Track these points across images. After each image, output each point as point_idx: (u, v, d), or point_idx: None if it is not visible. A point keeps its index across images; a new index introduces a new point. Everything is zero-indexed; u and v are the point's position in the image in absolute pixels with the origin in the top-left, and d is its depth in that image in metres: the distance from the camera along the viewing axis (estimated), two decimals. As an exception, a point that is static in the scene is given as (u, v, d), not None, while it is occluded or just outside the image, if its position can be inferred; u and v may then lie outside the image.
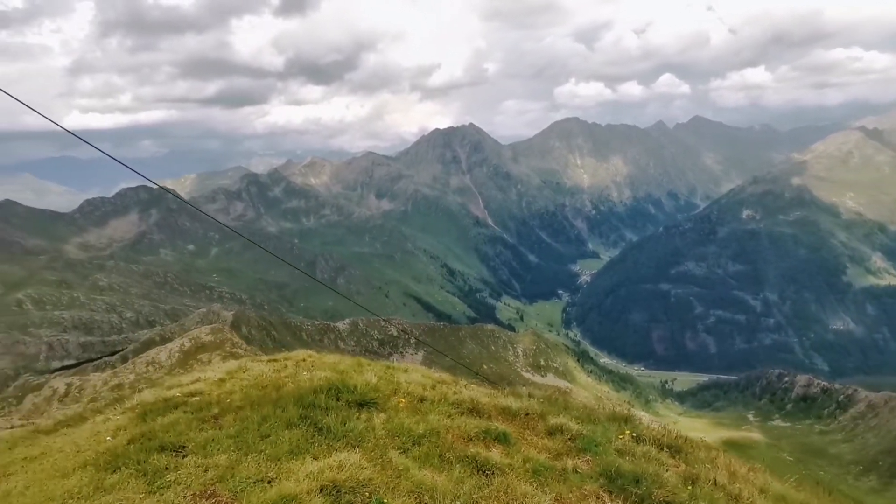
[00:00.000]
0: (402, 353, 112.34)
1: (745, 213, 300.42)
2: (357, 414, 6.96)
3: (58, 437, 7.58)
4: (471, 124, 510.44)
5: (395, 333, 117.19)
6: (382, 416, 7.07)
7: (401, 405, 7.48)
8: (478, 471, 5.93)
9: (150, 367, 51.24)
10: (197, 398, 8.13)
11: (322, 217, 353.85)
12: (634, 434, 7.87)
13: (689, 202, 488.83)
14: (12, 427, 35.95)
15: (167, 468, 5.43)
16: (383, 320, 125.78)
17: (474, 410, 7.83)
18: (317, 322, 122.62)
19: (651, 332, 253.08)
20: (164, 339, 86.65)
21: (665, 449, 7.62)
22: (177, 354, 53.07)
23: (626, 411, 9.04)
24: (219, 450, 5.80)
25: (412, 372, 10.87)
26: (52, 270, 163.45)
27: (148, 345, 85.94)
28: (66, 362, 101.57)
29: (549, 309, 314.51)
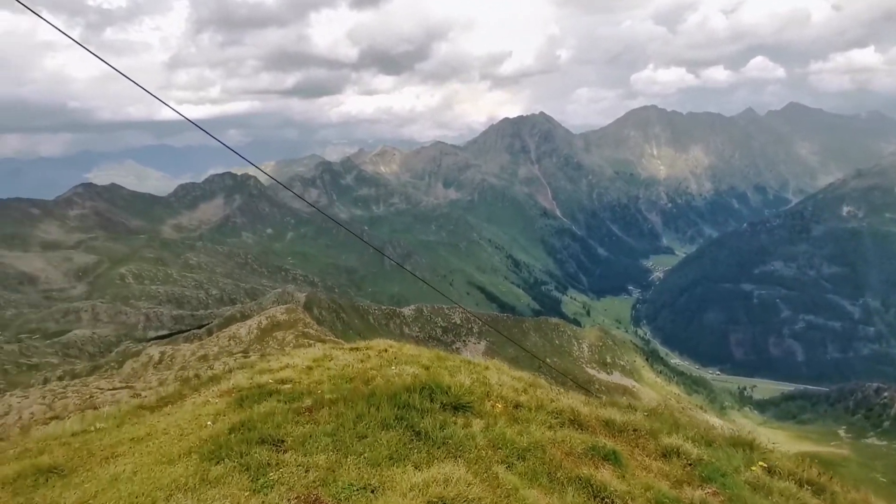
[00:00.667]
0: (464, 341, 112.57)
1: (846, 210, 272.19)
2: (453, 418, 6.71)
3: (161, 416, 7.62)
4: (541, 113, 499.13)
5: (459, 322, 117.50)
6: (480, 422, 6.75)
7: (497, 410, 7.21)
8: (593, 496, 5.42)
9: (232, 342, 54.42)
10: (288, 386, 8.14)
11: (391, 205, 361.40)
12: (766, 465, 6.87)
13: (779, 196, 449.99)
14: (114, 388, 38.91)
15: (269, 464, 5.36)
16: (459, 306, 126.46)
17: (575, 422, 7.36)
18: (383, 307, 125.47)
19: (729, 335, 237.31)
20: (244, 317, 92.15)
21: (806, 486, 6.55)
22: (255, 331, 56.06)
23: (749, 436, 7.97)
24: (317, 448, 5.71)
25: (496, 370, 10.35)
26: (150, 249, 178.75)
27: (230, 320, 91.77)
28: (161, 332, 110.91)
29: (618, 305, 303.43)
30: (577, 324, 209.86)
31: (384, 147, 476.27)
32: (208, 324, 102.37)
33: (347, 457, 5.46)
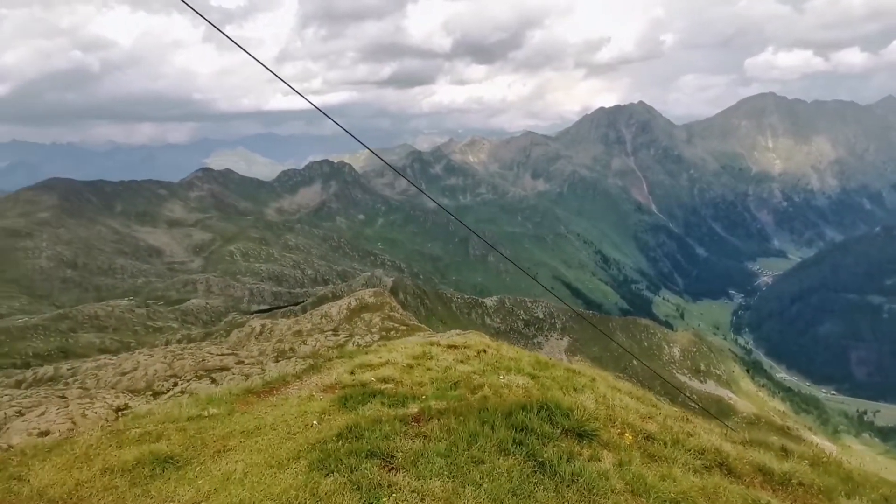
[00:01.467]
0: (546, 336, 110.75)
1: None
2: (578, 448, 6.10)
3: (268, 406, 7.61)
4: (640, 102, 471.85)
5: (542, 316, 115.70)
6: (610, 456, 6.08)
7: (626, 442, 6.50)
8: None
9: (323, 320, 57.93)
10: (390, 386, 8.06)
11: (478, 195, 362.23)
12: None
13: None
14: (222, 354, 42.91)
15: (380, 485, 5.12)
16: (560, 296, 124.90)
17: (724, 466, 6.41)
18: (466, 296, 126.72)
19: (849, 352, 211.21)
20: (335, 297, 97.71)
21: None
22: (344, 311, 59.15)
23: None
24: (431, 471, 5.38)
25: (604, 383, 9.64)
26: (255, 229, 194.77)
27: (322, 300, 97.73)
28: (262, 306, 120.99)
29: (717, 310, 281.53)
30: (669, 326, 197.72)
31: (473, 137, 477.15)
32: (303, 301, 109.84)
33: (465, 486, 5.03)
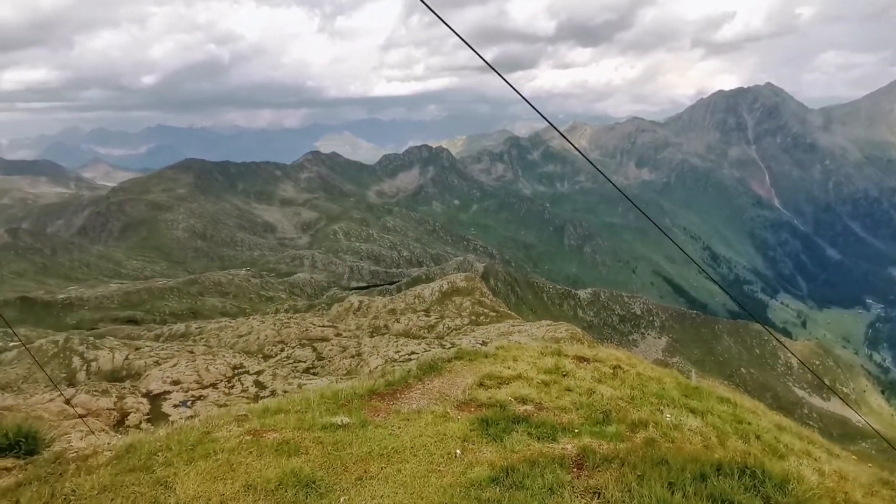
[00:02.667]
0: (643, 334, 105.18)
1: None
2: None
3: (399, 420, 7.10)
4: (767, 84, 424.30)
5: (639, 312, 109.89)
6: None
7: None
8: None
9: (416, 300, 59.78)
10: (530, 408, 7.45)
11: (576, 183, 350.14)
12: None
13: None
14: (324, 326, 45.90)
15: None
16: (661, 293, 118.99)
17: None
18: (558, 286, 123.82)
19: None
20: (428, 279, 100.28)
21: None
22: (437, 294, 60.55)
23: None
24: None
25: (769, 422, 8.59)
26: (357, 210, 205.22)
27: (416, 281, 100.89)
28: (360, 284, 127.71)
29: (848, 320, 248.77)
30: (787, 334, 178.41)
31: (575, 122, 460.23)
32: (398, 281, 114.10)
33: None
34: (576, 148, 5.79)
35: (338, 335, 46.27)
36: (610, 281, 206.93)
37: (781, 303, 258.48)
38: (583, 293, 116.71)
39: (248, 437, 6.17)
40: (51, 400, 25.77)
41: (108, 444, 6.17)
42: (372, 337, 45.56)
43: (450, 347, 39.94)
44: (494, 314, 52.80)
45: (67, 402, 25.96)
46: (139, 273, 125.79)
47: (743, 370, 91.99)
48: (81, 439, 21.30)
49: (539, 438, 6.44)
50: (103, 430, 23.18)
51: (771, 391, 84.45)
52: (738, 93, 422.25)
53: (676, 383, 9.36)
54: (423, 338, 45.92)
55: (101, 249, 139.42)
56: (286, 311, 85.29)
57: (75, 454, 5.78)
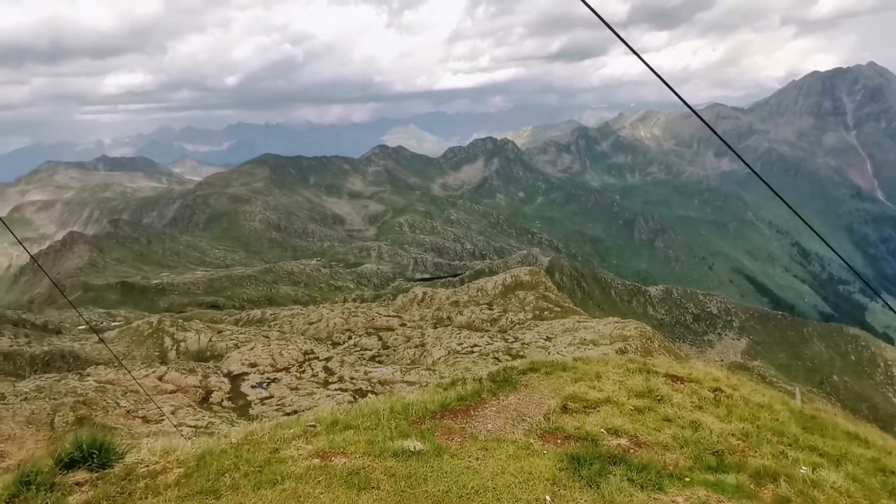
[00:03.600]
0: (719, 334, 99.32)
1: None
2: None
3: (477, 449, 6.48)
4: (869, 64, 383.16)
5: (715, 311, 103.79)
6: None
7: None
8: None
9: (479, 293, 59.86)
10: (625, 441, 6.73)
11: (648, 174, 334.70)
12: None
13: None
14: (389, 315, 47.06)
15: None
16: (742, 291, 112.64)
17: None
18: (627, 282, 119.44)
19: None
20: (491, 272, 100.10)
21: None
22: (500, 287, 60.29)
23: None
24: None
25: None
26: (421, 203, 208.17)
27: (479, 273, 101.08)
28: (424, 275, 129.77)
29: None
30: (889, 341, 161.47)
31: (648, 111, 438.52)
32: (461, 274, 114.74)
33: None
34: (708, 126, 5.42)
35: (402, 325, 47.33)
36: (683, 278, 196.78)
37: (884, 306, 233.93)
38: (653, 290, 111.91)
39: (316, 461, 5.90)
40: (145, 376, 28.33)
41: (179, 456, 5.97)
42: (435, 328, 46.19)
43: (516, 350, 39.62)
44: (559, 309, 51.81)
45: (160, 378, 28.42)
46: (221, 261, 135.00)
47: (835, 377, 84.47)
48: (172, 413, 23.25)
49: (642, 486, 5.62)
50: (190, 406, 25.19)
51: (868, 402, 77.05)
52: (836, 73, 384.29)
53: (790, 412, 8.39)
54: (486, 331, 45.93)
55: (188, 239, 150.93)
56: (353, 300, 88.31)
57: (146, 469, 5.72)
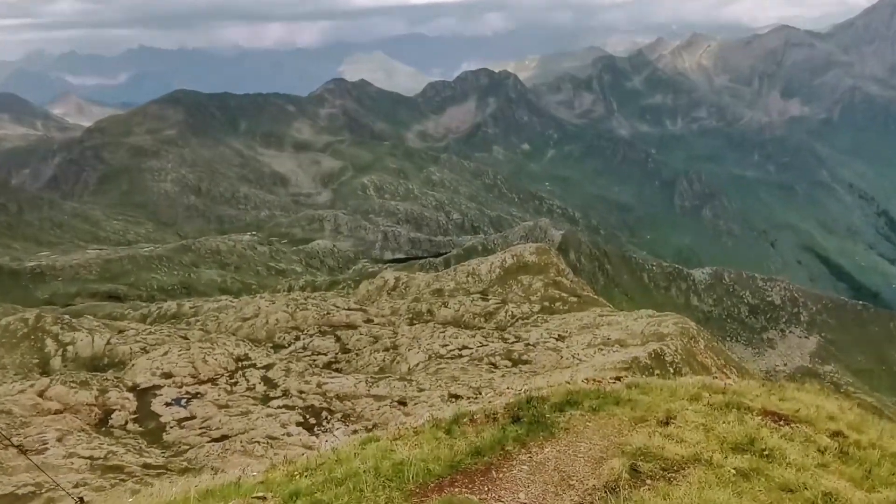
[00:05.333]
0: (782, 331, 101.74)
1: None
2: None
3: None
4: None
5: (778, 301, 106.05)
6: None
7: None
8: None
9: (470, 279, 60.22)
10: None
11: (694, 120, 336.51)
12: None
13: None
14: (349, 309, 47.19)
15: None
16: (812, 274, 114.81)
17: None
18: (664, 263, 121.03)
19: None
20: (486, 250, 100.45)
21: None
22: (497, 270, 60.71)
23: None
24: None
25: None
26: (393, 158, 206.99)
27: (469, 252, 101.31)
28: (397, 255, 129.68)
29: None
30: None
31: (694, 35, 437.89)
32: (446, 253, 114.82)
33: None
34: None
35: (368, 321, 47.41)
36: (738, 257, 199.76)
37: None
38: (699, 273, 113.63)
39: None
40: (22, 391, 28.01)
41: None
42: (412, 325, 46.37)
43: (519, 353, 40.03)
44: (575, 300, 52.40)
45: (41, 394, 28.17)
46: (121, 237, 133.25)
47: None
48: (59, 441, 23.15)
49: None
50: (83, 431, 25.05)
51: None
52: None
53: None
54: (479, 328, 46.29)
55: (75, 206, 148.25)
56: (302, 288, 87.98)
57: None
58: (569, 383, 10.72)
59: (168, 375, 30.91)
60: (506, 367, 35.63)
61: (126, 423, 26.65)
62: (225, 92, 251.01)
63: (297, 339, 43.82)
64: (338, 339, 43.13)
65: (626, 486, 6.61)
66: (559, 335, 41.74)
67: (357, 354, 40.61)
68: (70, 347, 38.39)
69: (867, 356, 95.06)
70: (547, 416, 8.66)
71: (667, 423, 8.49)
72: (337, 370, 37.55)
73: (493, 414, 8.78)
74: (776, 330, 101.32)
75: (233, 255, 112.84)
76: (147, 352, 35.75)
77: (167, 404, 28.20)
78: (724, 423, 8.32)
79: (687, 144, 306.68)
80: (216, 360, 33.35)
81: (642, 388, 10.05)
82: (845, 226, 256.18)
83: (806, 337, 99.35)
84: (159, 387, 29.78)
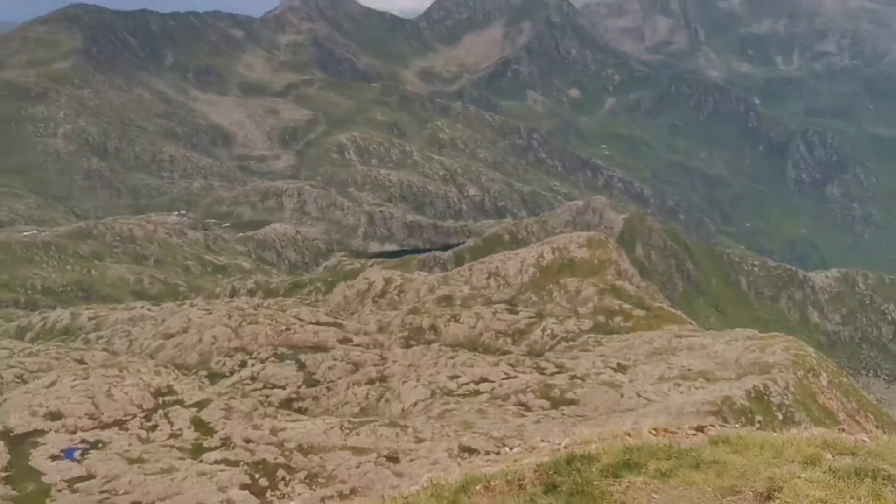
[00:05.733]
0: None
1: None
2: None
3: None
4: None
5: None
6: None
7: None
8: None
9: (492, 281, 59.90)
10: None
11: (817, 56, 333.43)
12: None
13: None
14: (318, 324, 47.00)
15: None
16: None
17: None
18: (772, 263, 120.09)
19: None
20: (516, 241, 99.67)
21: None
22: (531, 270, 60.32)
23: None
24: None
25: None
26: (383, 107, 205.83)
27: (492, 244, 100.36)
28: (387, 247, 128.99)
29: None
30: None
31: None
32: (458, 244, 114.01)
33: None
34: None
35: (345, 341, 47.03)
36: (879, 255, 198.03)
37: None
38: (821, 277, 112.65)
39: None
40: None
41: None
42: (407, 347, 46.04)
43: (561, 390, 39.58)
44: (642, 313, 51.94)
45: None
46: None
47: None
48: None
49: None
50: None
51: None
52: None
53: None
54: (504, 353, 45.89)
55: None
56: (251, 292, 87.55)
57: None
58: (629, 435, 10.51)
59: (55, 416, 30.72)
60: (541, 409, 35.38)
61: (-4, 482, 26.51)
62: (143, 9, 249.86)
63: (244, 365, 43.56)
64: (301, 365, 42.86)
65: None
66: (618, 364, 41.40)
67: (329, 388, 40.35)
68: (-82, 373, 38.42)
69: None
70: (595, 483, 8.17)
71: (769, 498, 8.37)
72: (300, 410, 37.31)
73: (520, 479, 8.62)
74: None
75: (152, 244, 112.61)
76: (25, 382, 35.62)
77: (54, 458, 28.02)
78: (853, 499, 8.13)
79: (807, 92, 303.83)
80: (126, 394, 33.16)
81: (734, 445, 9.84)
82: None
83: None
84: (42, 432, 29.60)
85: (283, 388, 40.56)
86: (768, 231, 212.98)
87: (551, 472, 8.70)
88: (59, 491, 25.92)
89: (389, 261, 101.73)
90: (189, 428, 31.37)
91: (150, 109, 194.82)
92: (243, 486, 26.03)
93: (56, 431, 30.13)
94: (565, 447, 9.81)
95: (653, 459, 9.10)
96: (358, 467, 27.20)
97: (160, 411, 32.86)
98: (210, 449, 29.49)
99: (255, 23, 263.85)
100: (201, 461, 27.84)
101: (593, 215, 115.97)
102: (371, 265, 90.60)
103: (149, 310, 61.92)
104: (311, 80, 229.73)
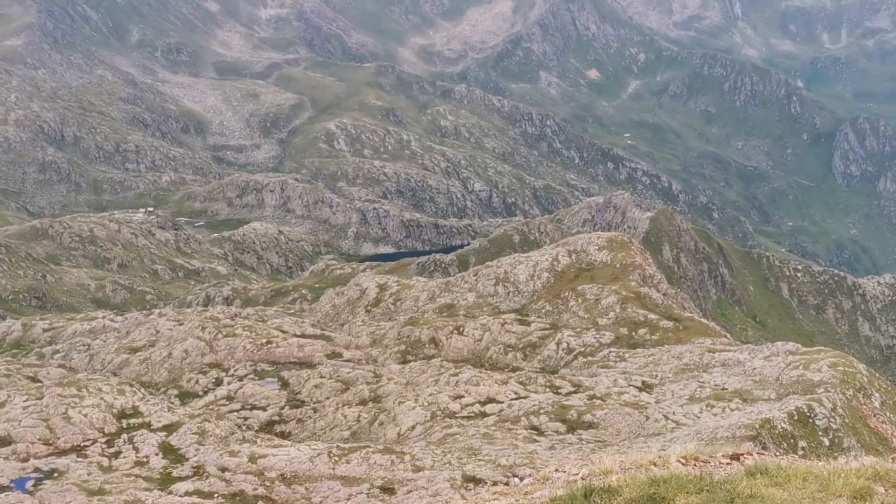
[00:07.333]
0: None
1: None
2: None
3: None
4: None
5: None
6: None
7: None
8: None
9: (501, 288, 59.97)
10: None
11: (869, 33, 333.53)
12: None
13: None
14: (303, 336, 47.30)
15: None
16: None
17: None
18: (817, 267, 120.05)
19: None
20: (526, 242, 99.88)
21: None
22: (544, 274, 60.43)
23: None
24: None
25: None
26: (377, 90, 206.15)
27: (500, 245, 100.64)
28: (381, 249, 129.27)
29: None
30: None
31: None
32: (461, 246, 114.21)
33: None
34: None
35: (334, 356, 47.12)
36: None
37: None
38: (873, 284, 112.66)
39: None
40: None
41: None
42: (404, 362, 46.09)
43: (579, 411, 39.69)
44: (670, 324, 52.03)
45: None
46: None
47: None
48: None
49: None
50: None
51: None
52: None
53: None
54: (514, 369, 45.98)
55: None
56: (228, 299, 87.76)
57: None
58: (655, 465, 10.61)
59: (5, 442, 30.80)
60: (556, 433, 35.45)
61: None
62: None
63: (219, 383, 43.68)
64: (285, 384, 42.96)
65: None
66: (643, 382, 41.47)
67: (315, 410, 40.43)
68: None
69: None
70: None
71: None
72: (282, 434, 37.40)
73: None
74: None
75: (115, 245, 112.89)
76: (-26, 401, 35.70)
77: (2, 489, 28.12)
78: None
79: (857, 74, 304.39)
80: (86, 416, 33.23)
81: (775, 477, 9.95)
82: None
83: None
84: (-7, 458, 29.66)
85: (264, 409, 40.58)
86: (813, 231, 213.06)
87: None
88: (9, 528, 25.98)
89: (384, 265, 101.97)
90: (157, 455, 31.43)
91: (113, 92, 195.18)
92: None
93: (6, 459, 30.20)
94: (583, 478, 9.89)
95: (682, 493, 9.16)
96: (348, 500, 27.26)
97: (124, 436, 32.91)
98: (181, 479, 29.54)
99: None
100: (170, 493, 27.88)
101: (615, 213, 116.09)
102: (363, 270, 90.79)
103: (111, 320, 62.03)
104: (295, 60, 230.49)
